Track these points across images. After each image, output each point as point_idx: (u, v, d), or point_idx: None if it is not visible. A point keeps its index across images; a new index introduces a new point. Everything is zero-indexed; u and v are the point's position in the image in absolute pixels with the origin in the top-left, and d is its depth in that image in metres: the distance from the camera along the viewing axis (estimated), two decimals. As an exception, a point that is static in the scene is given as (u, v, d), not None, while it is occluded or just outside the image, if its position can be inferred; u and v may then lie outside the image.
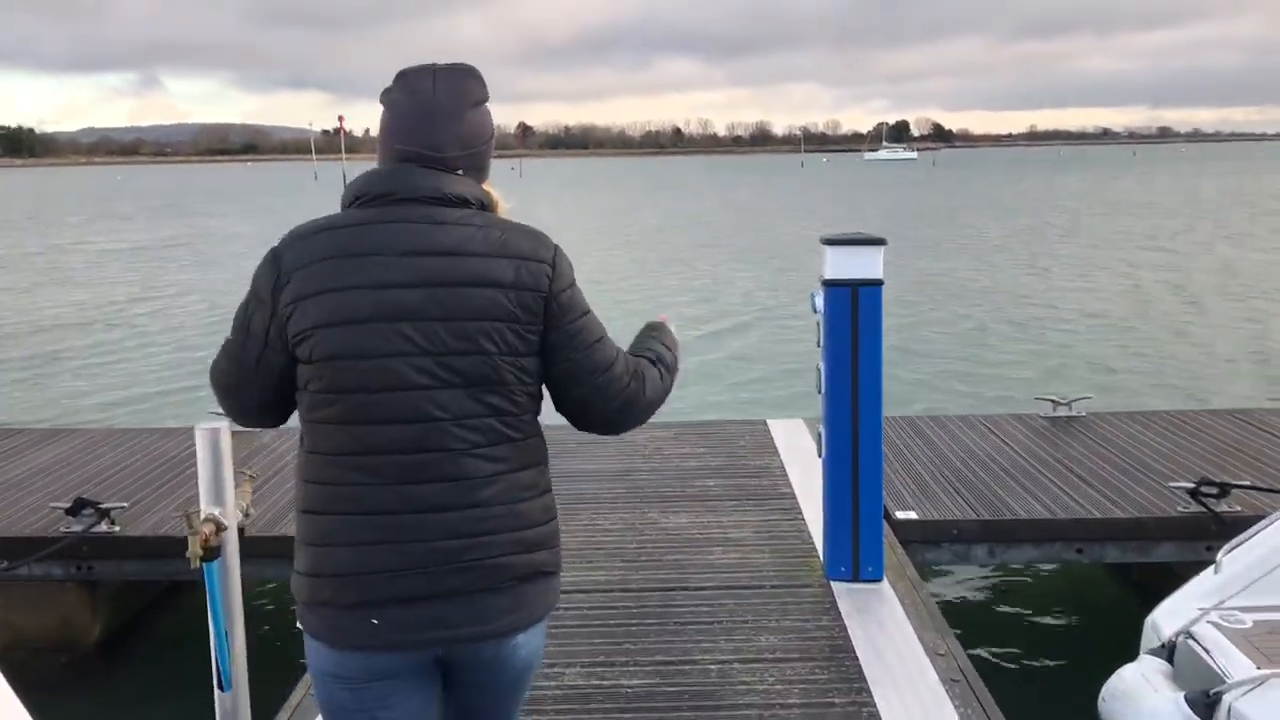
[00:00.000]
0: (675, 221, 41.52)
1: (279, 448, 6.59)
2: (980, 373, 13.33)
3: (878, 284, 4.49)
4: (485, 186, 2.08)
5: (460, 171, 2.03)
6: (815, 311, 4.65)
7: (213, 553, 2.18)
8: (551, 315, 2.00)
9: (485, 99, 2.08)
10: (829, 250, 4.52)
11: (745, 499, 5.69)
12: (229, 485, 2.26)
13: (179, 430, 7.36)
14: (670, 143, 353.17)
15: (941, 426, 6.93)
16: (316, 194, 73.59)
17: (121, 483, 6.02)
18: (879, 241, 4.50)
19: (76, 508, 5.26)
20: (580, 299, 2.07)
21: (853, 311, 4.50)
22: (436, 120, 2.01)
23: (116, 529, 5.22)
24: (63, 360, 14.95)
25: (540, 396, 2.08)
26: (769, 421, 7.28)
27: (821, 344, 4.58)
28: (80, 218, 51.01)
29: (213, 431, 2.26)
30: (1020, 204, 49.41)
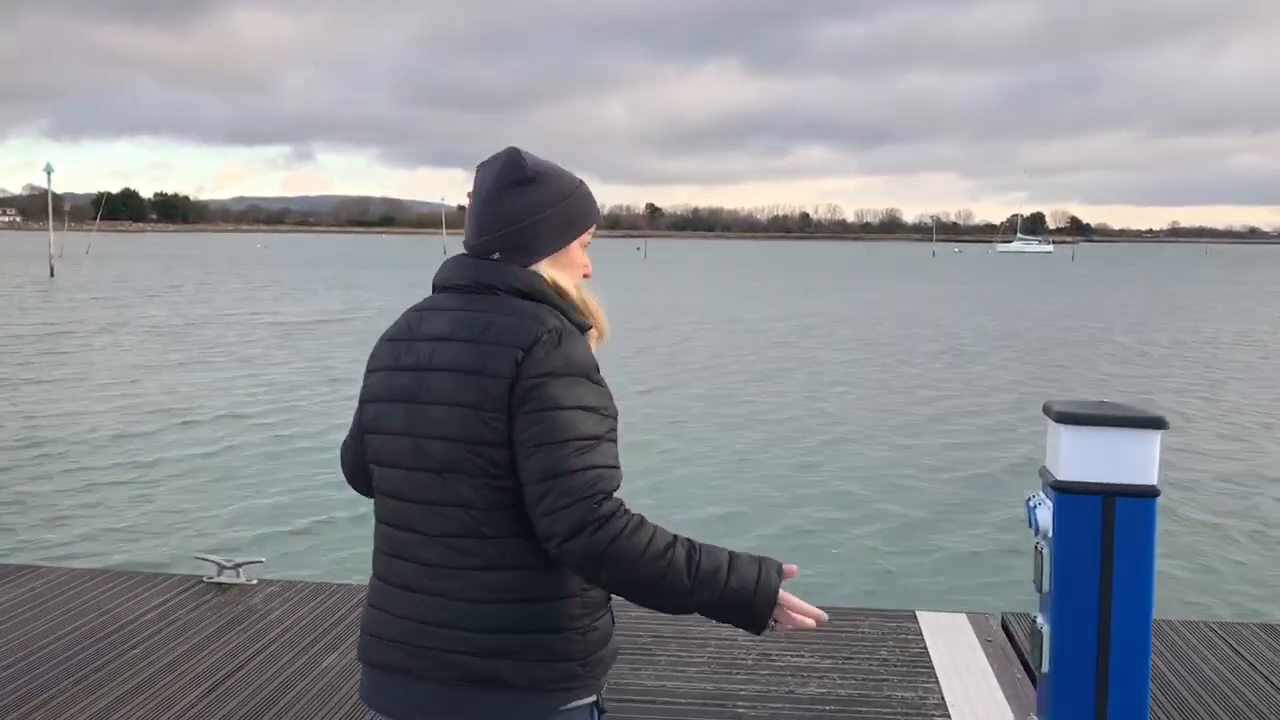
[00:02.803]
0: (801, 313, 39.48)
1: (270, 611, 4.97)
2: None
3: (1150, 494, 2.64)
4: (548, 270, 2.00)
5: (496, 255, 2.00)
6: (1034, 529, 2.81)
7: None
8: (514, 403, 1.87)
9: (528, 178, 2.00)
10: (1063, 432, 2.69)
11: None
12: None
13: (155, 579, 5.82)
14: (797, 227, 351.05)
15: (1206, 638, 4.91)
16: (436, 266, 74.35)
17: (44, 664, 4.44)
18: (1155, 423, 2.66)
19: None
20: (559, 393, 1.86)
21: (1105, 535, 2.65)
22: (474, 208, 2.04)
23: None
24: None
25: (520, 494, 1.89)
26: (920, 615, 5.36)
27: (1045, 578, 2.73)
28: (190, 282, 51.72)
29: None
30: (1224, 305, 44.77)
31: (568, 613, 1.93)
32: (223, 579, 5.81)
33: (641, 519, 1.86)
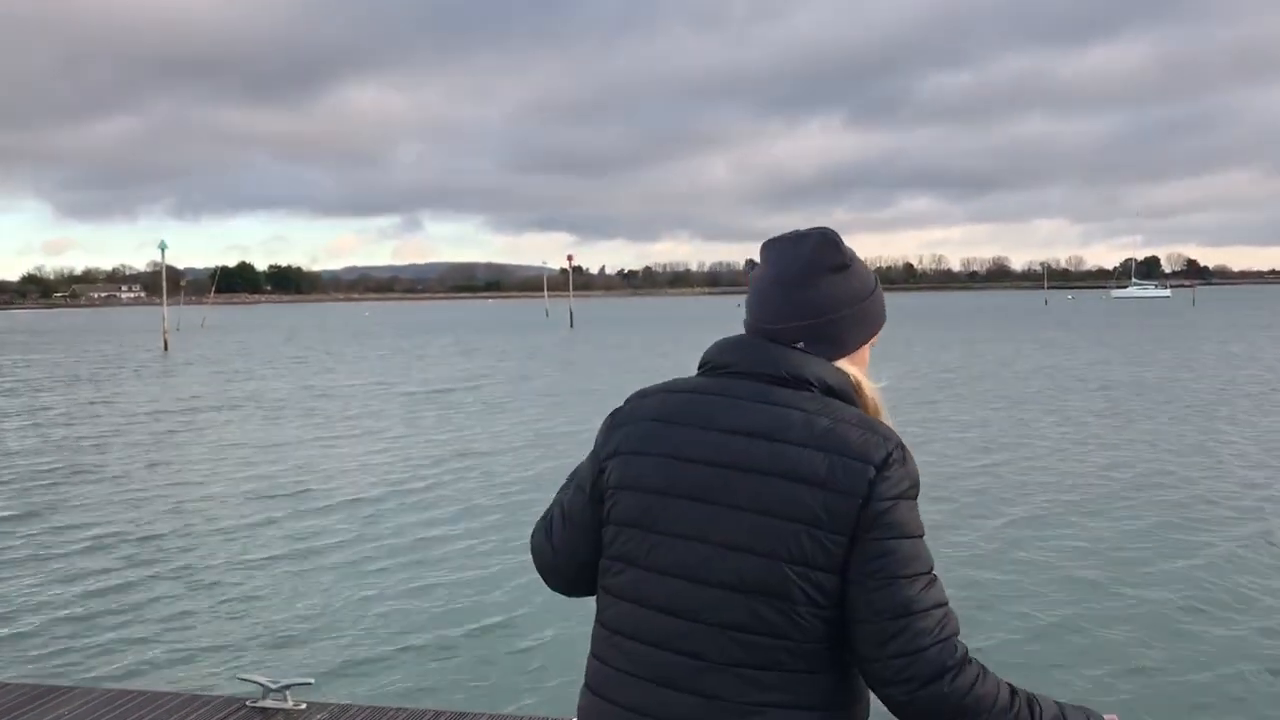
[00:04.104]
0: (930, 368, 37.93)
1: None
2: None
3: None
4: (848, 367, 1.83)
5: (801, 345, 1.81)
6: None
7: None
8: (861, 525, 1.66)
9: (845, 264, 1.84)
10: None
11: None
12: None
13: (195, 702, 5.03)
14: (901, 278, 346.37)
15: None
16: (541, 329, 74.80)
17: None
18: None
19: None
20: (909, 520, 1.68)
21: None
22: (777, 289, 1.84)
23: None
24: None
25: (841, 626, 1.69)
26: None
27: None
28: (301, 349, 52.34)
29: None
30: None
31: None
32: (267, 703, 5.04)
33: (984, 665, 1.71)
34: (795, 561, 1.66)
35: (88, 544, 11.95)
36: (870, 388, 1.84)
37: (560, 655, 7.81)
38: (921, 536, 1.71)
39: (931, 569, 1.70)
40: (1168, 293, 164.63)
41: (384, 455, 18.41)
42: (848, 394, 1.79)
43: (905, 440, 1.75)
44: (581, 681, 1.85)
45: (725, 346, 1.85)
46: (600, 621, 1.83)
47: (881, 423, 1.77)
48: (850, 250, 1.87)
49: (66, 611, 9.40)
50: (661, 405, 1.82)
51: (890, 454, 1.69)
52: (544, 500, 2.05)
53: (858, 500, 1.65)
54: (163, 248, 61.72)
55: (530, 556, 1.99)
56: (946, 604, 1.70)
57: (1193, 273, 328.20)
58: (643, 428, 1.81)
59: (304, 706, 5.02)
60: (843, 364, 1.83)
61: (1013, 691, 1.71)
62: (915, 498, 1.72)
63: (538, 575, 1.97)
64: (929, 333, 63.01)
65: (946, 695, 1.64)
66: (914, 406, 23.84)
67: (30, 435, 21.84)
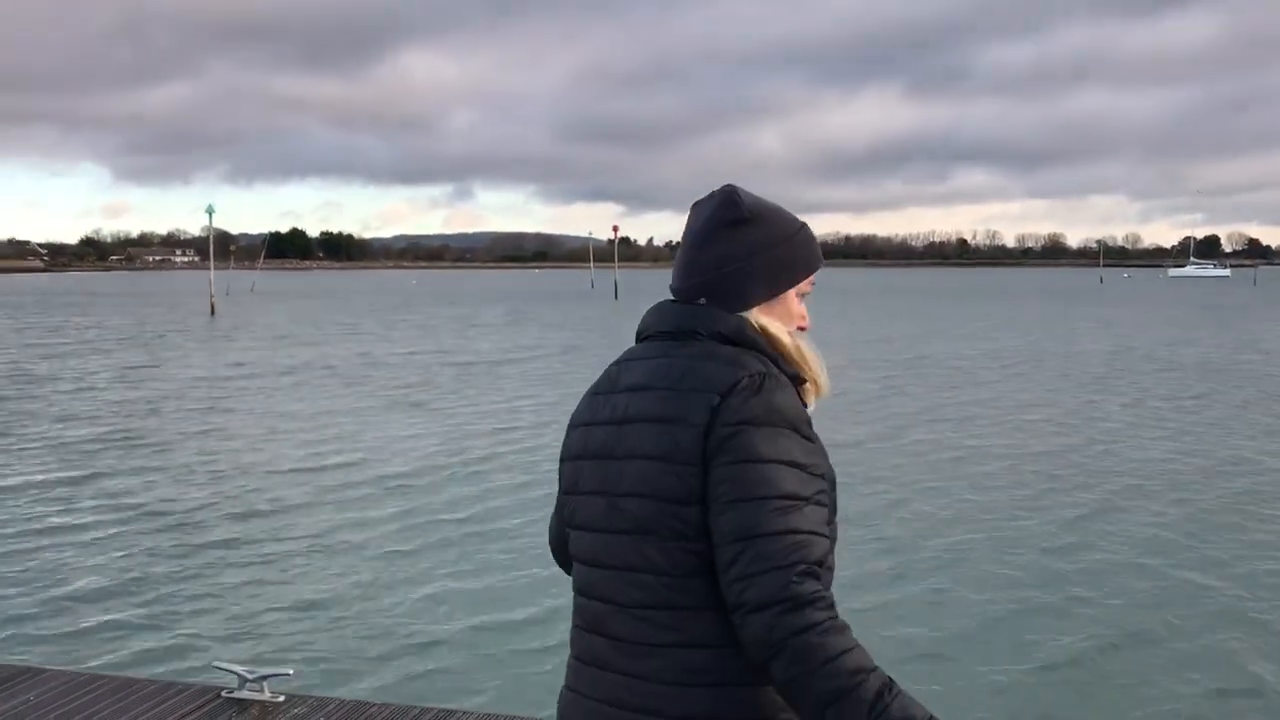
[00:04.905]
0: (992, 345, 37.17)
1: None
2: None
3: None
4: (759, 316, 1.85)
5: (703, 300, 1.85)
6: None
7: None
8: (708, 453, 1.69)
9: (743, 218, 1.86)
10: None
11: None
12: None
13: (168, 689, 4.72)
14: (954, 254, 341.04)
15: None
16: (585, 300, 74.43)
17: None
18: None
19: None
20: (759, 443, 1.67)
21: None
22: (683, 250, 1.90)
23: None
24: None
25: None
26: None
27: None
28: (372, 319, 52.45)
29: None
30: None
31: (776, 701, 1.67)
32: (244, 693, 4.73)
33: (845, 624, 1.60)
34: (663, 499, 1.71)
35: (68, 518, 11.59)
36: (784, 333, 1.84)
37: (548, 654, 7.37)
38: (784, 463, 1.67)
39: (793, 496, 1.65)
40: (1227, 272, 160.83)
41: (377, 445, 18.13)
42: (751, 341, 1.80)
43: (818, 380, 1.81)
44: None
45: (647, 313, 1.92)
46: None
47: (747, 358, 1.76)
48: (759, 203, 1.89)
49: (44, 592, 9.03)
50: (601, 377, 1.92)
51: (739, 381, 1.71)
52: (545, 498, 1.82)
53: (700, 429, 1.69)
54: (210, 212, 62.25)
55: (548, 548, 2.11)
56: (805, 533, 1.64)
57: (1254, 252, 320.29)
58: (582, 402, 1.93)
59: (281, 699, 4.70)
60: (755, 313, 1.84)
61: (870, 667, 1.57)
62: (777, 425, 1.69)
63: (531, 572, 1.97)
64: (980, 308, 61.89)
65: (774, 627, 1.57)
66: (974, 386, 23.25)
67: (35, 401, 21.83)
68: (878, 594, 8.96)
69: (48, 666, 5.46)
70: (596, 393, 1.90)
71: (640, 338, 1.92)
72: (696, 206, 1.92)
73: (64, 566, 9.75)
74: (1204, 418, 18.90)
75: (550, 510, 2.06)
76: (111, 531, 10.94)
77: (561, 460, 1.93)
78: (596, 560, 1.81)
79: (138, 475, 13.79)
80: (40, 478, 13.58)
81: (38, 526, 11.13)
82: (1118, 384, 24.05)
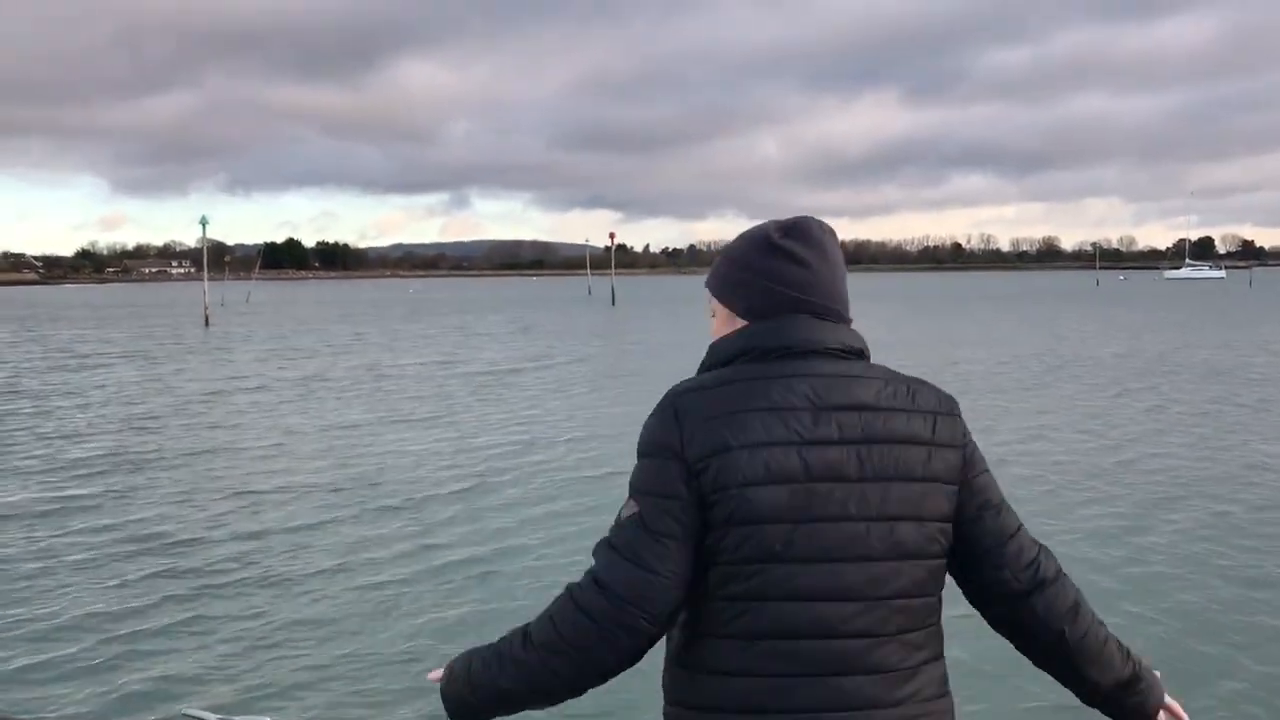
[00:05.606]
0: (1005, 350, 36.87)
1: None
2: None
3: None
4: None
5: (850, 321, 1.95)
6: None
7: None
8: (964, 470, 1.83)
9: None
10: None
11: None
12: None
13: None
14: (949, 258, 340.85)
15: None
16: (583, 307, 74.11)
17: None
18: None
19: None
20: (981, 453, 1.90)
21: None
22: (830, 271, 1.91)
23: None
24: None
25: None
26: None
27: None
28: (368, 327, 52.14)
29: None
30: None
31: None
32: (210, 740, 4.41)
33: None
34: (931, 518, 1.78)
35: (31, 546, 10.77)
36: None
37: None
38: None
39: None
40: (1222, 274, 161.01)
41: (366, 458, 17.84)
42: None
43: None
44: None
45: (813, 328, 1.87)
46: (728, 635, 1.73)
47: (922, 378, 1.92)
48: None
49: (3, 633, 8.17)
50: (744, 394, 1.77)
51: (956, 402, 1.93)
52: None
53: (960, 450, 1.87)
54: (204, 223, 61.94)
55: (580, 612, 1.74)
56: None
57: (1248, 253, 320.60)
58: (753, 419, 1.74)
59: (248, 744, 4.43)
60: None
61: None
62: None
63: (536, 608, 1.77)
64: (977, 313, 61.64)
65: (1069, 587, 1.90)
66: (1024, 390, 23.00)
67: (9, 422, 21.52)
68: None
69: (16, 717, 5.18)
70: (778, 408, 1.74)
71: (803, 353, 1.83)
72: (817, 232, 1.92)
73: (26, 602, 8.94)
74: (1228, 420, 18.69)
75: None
76: (78, 558, 10.08)
77: (745, 485, 1.70)
78: (849, 593, 1.71)
79: (116, 500, 13.23)
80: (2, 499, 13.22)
81: None
82: (1137, 387, 23.75)
